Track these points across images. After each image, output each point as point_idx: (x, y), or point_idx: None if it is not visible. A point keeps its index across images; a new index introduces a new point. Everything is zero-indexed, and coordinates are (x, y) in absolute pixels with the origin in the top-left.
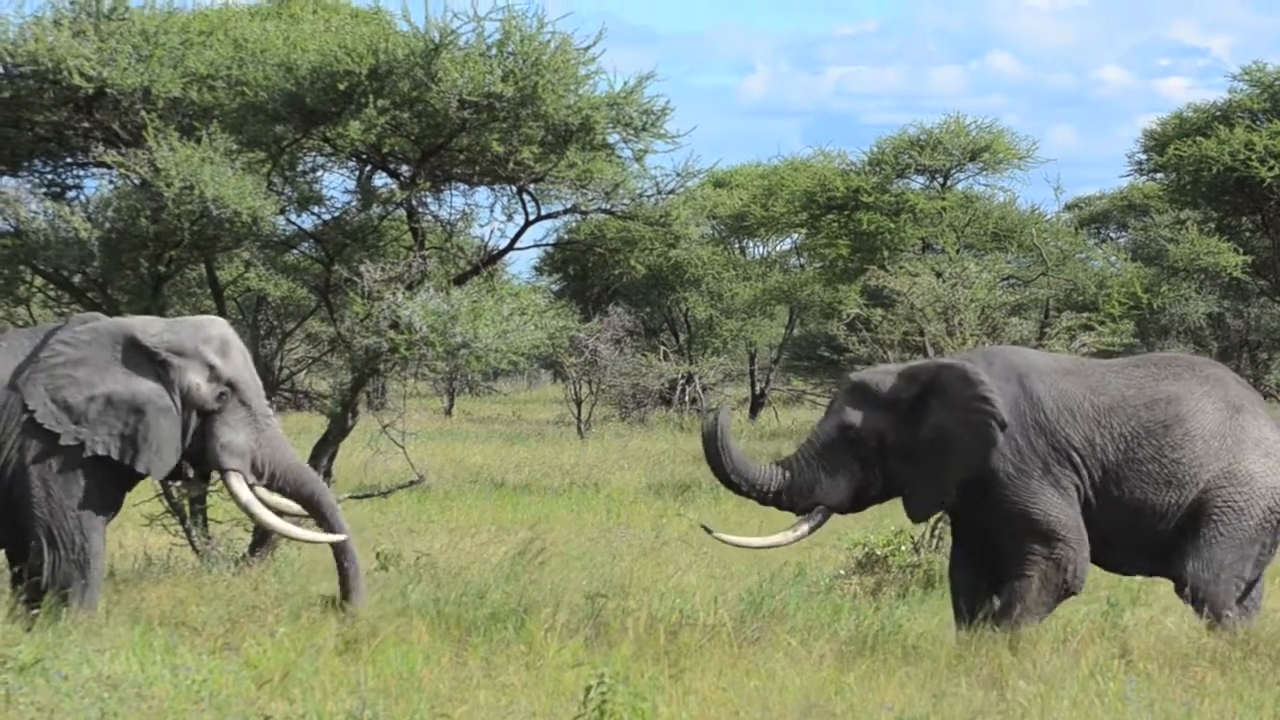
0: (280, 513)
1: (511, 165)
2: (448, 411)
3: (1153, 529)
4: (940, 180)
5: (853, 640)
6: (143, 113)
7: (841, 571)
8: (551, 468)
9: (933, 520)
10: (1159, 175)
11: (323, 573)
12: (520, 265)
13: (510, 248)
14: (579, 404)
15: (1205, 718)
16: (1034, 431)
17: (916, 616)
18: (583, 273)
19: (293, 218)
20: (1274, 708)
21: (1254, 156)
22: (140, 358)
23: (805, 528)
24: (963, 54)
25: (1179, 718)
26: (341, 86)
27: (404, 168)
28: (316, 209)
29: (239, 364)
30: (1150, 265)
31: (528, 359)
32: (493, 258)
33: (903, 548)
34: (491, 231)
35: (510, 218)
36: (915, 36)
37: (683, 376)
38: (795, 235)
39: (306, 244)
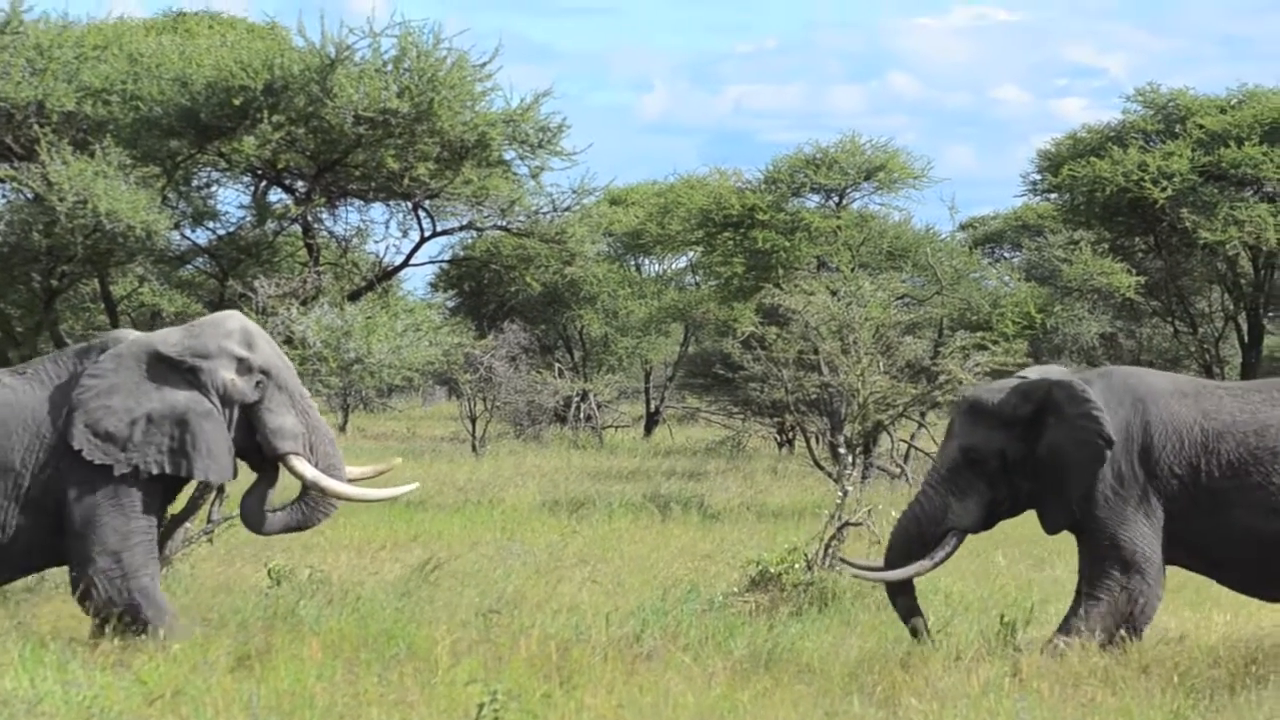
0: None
1: (407, 181)
2: (342, 428)
3: (1266, 557)
4: (836, 199)
5: (746, 658)
6: (36, 126)
7: (735, 589)
8: (446, 484)
9: (825, 539)
10: (1053, 195)
11: (214, 589)
12: (415, 282)
13: (405, 264)
14: (474, 421)
15: None
16: (1138, 458)
17: (810, 635)
18: (478, 289)
19: (187, 233)
20: None
21: (1147, 177)
22: (168, 370)
23: (940, 554)
24: (862, 73)
25: None
26: (237, 102)
27: (299, 183)
28: (211, 224)
29: (267, 351)
30: (1044, 285)
31: (422, 375)
32: (388, 274)
33: (796, 565)
34: (386, 248)
35: (405, 234)
36: (815, 55)
37: (578, 394)
38: (691, 253)
39: (201, 259)
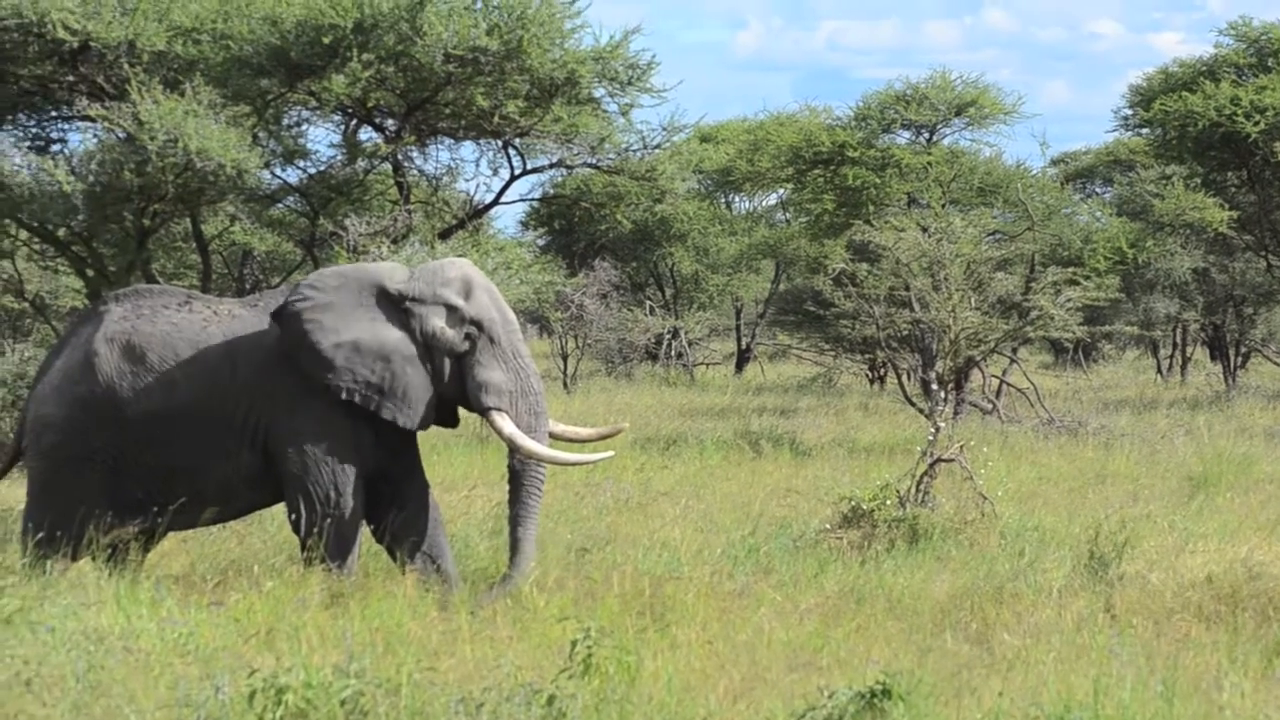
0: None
1: (497, 119)
2: None
3: None
4: (926, 135)
5: (838, 595)
6: (127, 66)
7: (827, 525)
8: None
9: (917, 475)
10: (1145, 130)
11: None
12: (506, 220)
13: (496, 202)
14: (565, 358)
15: (1191, 671)
16: None
17: (902, 571)
18: (569, 227)
19: (278, 171)
20: (1259, 661)
21: (1239, 112)
22: (386, 304)
23: None
24: (957, 8)
25: (1164, 671)
26: (326, 40)
27: (389, 122)
28: (301, 163)
29: (484, 302)
30: (1136, 220)
31: (514, 313)
32: (478, 212)
33: (888, 502)
34: (477, 186)
35: (496, 172)
36: None
37: (669, 331)
38: (781, 190)
39: (291, 198)
